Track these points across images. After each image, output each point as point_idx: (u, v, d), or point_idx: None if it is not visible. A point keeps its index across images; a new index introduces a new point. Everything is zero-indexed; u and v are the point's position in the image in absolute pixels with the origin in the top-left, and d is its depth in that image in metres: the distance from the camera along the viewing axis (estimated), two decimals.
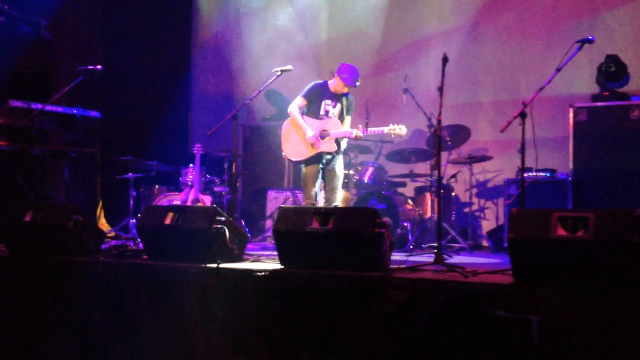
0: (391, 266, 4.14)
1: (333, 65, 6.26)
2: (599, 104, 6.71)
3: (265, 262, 4.54)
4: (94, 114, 7.32)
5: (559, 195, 6.50)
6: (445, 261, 4.32)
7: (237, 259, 4.60)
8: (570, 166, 6.70)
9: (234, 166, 5.89)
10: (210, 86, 9.71)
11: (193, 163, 7.43)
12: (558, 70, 4.77)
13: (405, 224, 6.83)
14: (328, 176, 5.98)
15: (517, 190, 6.53)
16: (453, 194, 7.23)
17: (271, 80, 5.81)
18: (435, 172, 5.21)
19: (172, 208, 4.76)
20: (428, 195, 7.07)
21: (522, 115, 4.58)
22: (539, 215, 3.49)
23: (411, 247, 6.37)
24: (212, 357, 4.07)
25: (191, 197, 7.25)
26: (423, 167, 7.45)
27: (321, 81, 6.09)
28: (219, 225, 4.40)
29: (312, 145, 5.87)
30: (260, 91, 5.89)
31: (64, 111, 6.96)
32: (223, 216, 4.49)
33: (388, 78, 8.37)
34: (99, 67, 6.32)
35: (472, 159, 6.99)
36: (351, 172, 7.18)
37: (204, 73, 9.80)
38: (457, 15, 8.07)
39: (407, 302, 3.55)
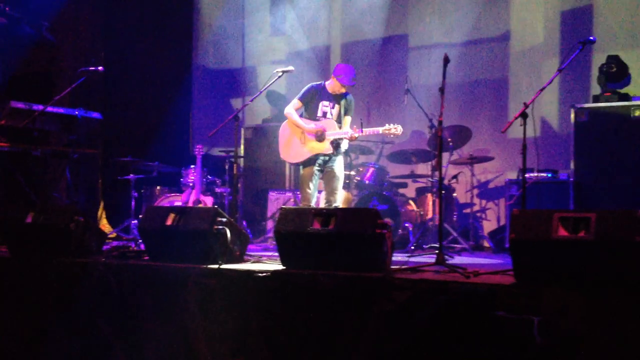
0: (392, 267, 4.14)
1: (334, 66, 6.27)
2: (600, 104, 6.71)
3: (266, 263, 4.54)
4: (96, 115, 7.33)
5: (560, 196, 6.50)
6: (447, 262, 4.32)
7: (238, 259, 4.61)
8: (572, 167, 6.69)
9: (235, 167, 5.90)
10: (212, 87, 9.72)
11: (194, 164, 7.43)
12: (559, 70, 4.77)
13: (406, 224, 6.82)
14: (327, 177, 5.99)
15: (519, 190, 6.52)
16: (454, 194, 7.23)
17: (272, 81, 5.82)
18: (437, 173, 5.20)
19: (173, 209, 4.76)
20: (429, 196, 7.07)
21: (524, 115, 4.58)
22: (541, 216, 3.49)
23: (412, 247, 6.37)
24: (213, 358, 4.07)
25: (192, 198, 7.26)
26: (424, 168, 7.44)
27: (318, 83, 6.10)
28: (220, 226, 4.40)
29: (317, 139, 5.87)
30: (261, 92, 5.90)
31: (65, 112, 6.97)
32: (224, 217, 4.49)
33: (389, 79, 8.37)
34: (100, 68, 6.33)
35: (474, 160, 6.99)
36: (352, 173, 7.18)
37: (205, 74, 9.80)
38: (458, 15, 8.07)
39: (409, 303, 3.55)
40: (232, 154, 7.20)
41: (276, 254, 4.44)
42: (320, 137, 5.90)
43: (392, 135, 5.93)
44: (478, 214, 7.61)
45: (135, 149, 7.78)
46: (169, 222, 4.55)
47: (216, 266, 4.21)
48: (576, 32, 7.17)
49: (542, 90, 4.77)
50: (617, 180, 6.44)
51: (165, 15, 9.22)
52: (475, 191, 7.44)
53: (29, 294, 4.71)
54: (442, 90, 4.59)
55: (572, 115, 6.73)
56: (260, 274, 4.05)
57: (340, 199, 6.14)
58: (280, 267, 4.24)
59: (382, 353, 3.59)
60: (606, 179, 6.49)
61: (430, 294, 3.52)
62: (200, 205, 7.07)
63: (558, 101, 7.24)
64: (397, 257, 4.81)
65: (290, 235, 4.19)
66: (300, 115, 6.07)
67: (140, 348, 4.32)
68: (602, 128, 6.58)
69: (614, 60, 6.93)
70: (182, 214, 4.57)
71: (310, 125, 5.93)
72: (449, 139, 6.86)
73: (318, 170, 5.97)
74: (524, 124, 4.63)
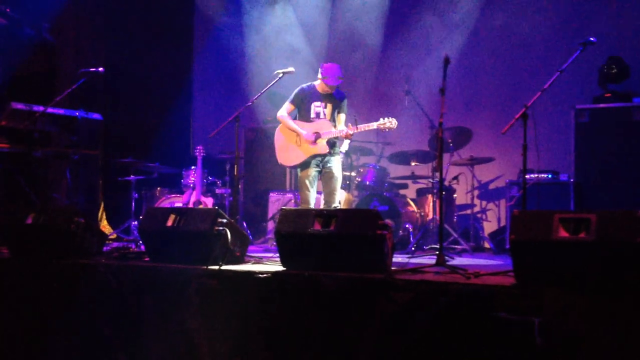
0: (393, 268, 4.14)
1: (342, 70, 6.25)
2: (601, 105, 6.71)
3: (267, 264, 4.54)
4: (96, 116, 7.33)
5: (560, 197, 6.50)
6: (447, 263, 4.32)
7: (239, 261, 4.61)
8: (572, 168, 6.69)
9: (235, 168, 5.90)
10: (212, 88, 9.72)
11: (195, 165, 7.44)
12: (560, 71, 4.77)
13: (407, 225, 6.83)
14: (325, 178, 5.99)
15: (519, 191, 6.53)
16: (455, 195, 7.23)
17: (273, 82, 5.82)
18: (437, 174, 5.21)
19: (173, 210, 4.77)
20: (430, 197, 7.07)
21: (524, 116, 4.58)
22: (541, 217, 3.49)
23: (413, 249, 6.37)
24: (214, 359, 4.07)
25: (193, 199, 7.26)
26: (425, 169, 7.45)
27: (308, 84, 6.10)
28: (221, 227, 4.40)
29: (310, 143, 5.88)
30: (262, 93, 5.90)
31: (65, 113, 6.97)
32: (225, 218, 4.49)
33: (390, 80, 8.37)
34: (100, 69, 6.33)
35: (474, 161, 6.99)
36: (353, 173, 7.19)
37: (205, 75, 9.81)
38: (458, 16, 8.07)
39: (409, 304, 3.54)
40: (232, 155, 7.20)
41: (277, 255, 4.44)
42: (315, 135, 5.91)
43: (387, 130, 5.91)
44: (478, 215, 7.61)
45: (135, 150, 7.78)
46: (169, 223, 4.55)
47: (217, 267, 4.21)
48: (578, 32, 7.17)
49: (542, 91, 4.77)
50: (617, 181, 6.44)
51: (166, 17, 9.23)
52: (476, 192, 7.44)
53: (30, 295, 4.71)
54: (442, 91, 4.59)
55: (573, 116, 6.73)
56: (260, 275, 4.05)
57: (340, 199, 6.14)
58: (280, 268, 4.24)
59: (383, 354, 3.58)
60: (607, 179, 6.50)
61: (431, 295, 3.51)
62: (200, 207, 7.08)
63: (559, 102, 7.24)
64: (398, 258, 4.81)
65: (291, 236, 4.19)
66: (295, 118, 6.08)
67: (141, 349, 4.32)
68: (603, 129, 6.59)
69: (614, 61, 6.94)
70: (182, 215, 4.57)
71: (304, 129, 5.93)
72: (450, 140, 6.86)
73: (316, 171, 5.97)
74: (525, 125, 4.63)
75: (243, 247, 4.72)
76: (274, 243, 5.03)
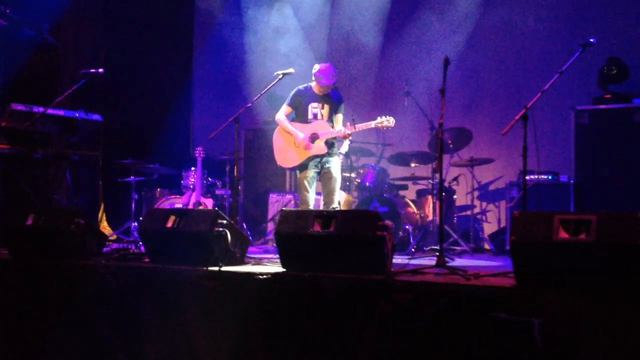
0: (393, 269, 4.14)
1: (335, 68, 6.26)
2: (600, 106, 6.71)
3: (267, 265, 4.54)
4: (96, 117, 7.33)
5: (561, 198, 6.50)
6: (447, 264, 4.32)
7: (239, 262, 4.61)
8: (572, 169, 6.69)
9: (235, 169, 5.91)
10: (212, 89, 9.73)
11: (195, 166, 7.44)
12: (560, 73, 4.77)
13: (407, 226, 6.83)
14: (324, 179, 6.00)
15: (519, 193, 6.53)
16: (455, 196, 7.23)
17: (273, 83, 5.83)
18: (437, 175, 5.21)
19: (173, 211, 4.76)
20: (430, 198, 7.07)
21: (524, 117, 4.58)
22: (541, 218, 3.49)
23: (413, 250, 6.37)
24: None
25: (193, 200, 7.26)
26: (425, 170, 7.45)
27: (304, 85, 6.11)
28: (221, 229, 4.40)
29: (305, 147, 5.90)
30: (261, 94, 5.90)
31: (66, 114, 6.97)
32: (225, 219, 4.49)
33: (390, 81, 8.37)
34: (101, 70, 6.33)
35: (474, 162, 6.99)
36: (353, 175, 7.19)
37: (205, 76, 9.82)
38: (458, 18, 8.07)
39: (409, 305, 3.54)
40: (232, 156, 7.20)
41: (277, 256, 4.44)
42: (313, 136, 5.92)
43: (385, 128, 5.92)
44: (478, 216, 7.61)
45: (135, 151, 7.78)
46: (169, 224, 4.55)
47: (217, 268, 4.20)
48: (578, 33, 7.18)
49: (542, 92, 4.77)
50: (617, 182, 6.44)
51: (166, 18, 9.24)
52: (476, 193, 7.44)
53: (30, 296, 4.71)
54: (442, 92, 4.59)
55: (573, 118, 6.73)
56: (260, 276, 4.05)
57: (340, 200, 6.14)
58: (280, 269, 4.24)
59: (383, 355, 3.58)
60: (607, 181, 6.50)
61: (430, 296, 3.51)
62: (200, 208, 7.08)
63: (559, 103, 7.24)
64: (398, 259, 4.81)
65: (291, 238, 4.19)
66: (292, 120, 6.09)
67: (141, 350, 4.32)
68: (603, 130, 6.59)
69: (614, 62, 6.94)
70: (182, 216, 4.57)
71: (301, 131, 5.94)
72: (450, 141, 6.86)
73: (315, 172, 5.98)
74: (525, 126, 4.63)
75: (243, 248, 4.72)
76: (274, 244, 5.04)
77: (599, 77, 7.05)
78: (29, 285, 4.74)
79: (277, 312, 3.93)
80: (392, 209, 6.80)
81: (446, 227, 6.42)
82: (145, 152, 8.06)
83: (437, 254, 4.37)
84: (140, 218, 7.15)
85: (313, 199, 6.01)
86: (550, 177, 6.67)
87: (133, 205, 7.38)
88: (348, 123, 5.93)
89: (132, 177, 7.47)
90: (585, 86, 7.30)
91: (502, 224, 7.46)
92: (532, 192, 6.38)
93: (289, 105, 6.09)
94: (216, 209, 4.74)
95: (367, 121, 5.94)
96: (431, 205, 7.01)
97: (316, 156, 5.95)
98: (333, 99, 6.05)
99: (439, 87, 4.64)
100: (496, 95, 7.93)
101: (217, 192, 7.66)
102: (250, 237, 6.71)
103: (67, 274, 4.62)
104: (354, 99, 6.53)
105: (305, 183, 5.93)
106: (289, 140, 6.03)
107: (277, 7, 9.11)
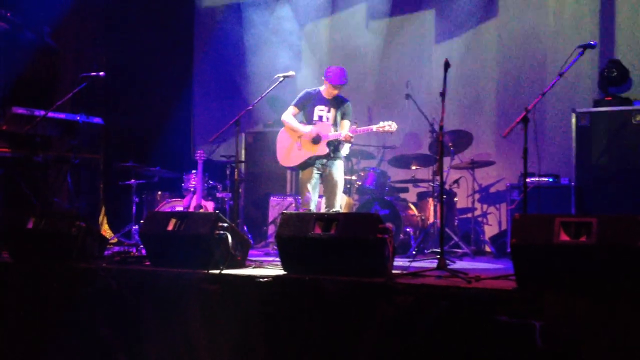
0: (394, 272, 4.14)
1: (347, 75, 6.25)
2: (601, 109, 6.71)
3: (267, 268, 4.54)
4: (97, 120, 7.34)
5: (561, 201, 6.49)
6: (448, 267, 4.32)
7: (240, 265, 4.61)
8: (573, 171, 6.69)
9: (236, 172, 5.92)
10: (213, 92, 9.73)
11: (195, 169, 7.44)
12: (560, 75, 4.77)
13: (407, 229, 6.82)
14: (326, 182, 6.02)
15: (520, 195, 6.52)
16: (455, 199, 7.23)
17: (273, 86, 5.83)
18: (438, 178, 5.20)
19: (174, 214, 4.77)
20: (430, 200, 7.06)
21: (525, 120, 4.58)
22: (542, 221, 3.49)
23: (414, 252, 6.36)
24: None
25: (194, 203, 7.26)
26: (425, 173, 7.44)
27: (314, 88, 6.13)
28: (222, 232, 4.40)
29: (310, 139, 5.89)
30: (262, 97, 5.91)
31: (66, 118, 6.98)
32: (225, 222, 4.49)
33: (390, 84, 8.37)
34: (101, 73, 6.33)
35: (475, 165, 6.99)
36: (353, 177, 7.19)
37: (206, 79, 9.82)
38: (459, 20, 8.08)
39: (410, 308, 3.54)
40: (233, 159, 7.21)
41: (277, 259, 4.44)
42: (316, 139, 5.93)
43: (386, 132, 5.91)
44: (479, 219, 7.61)
45: (136, 154, 7.79)
46: (170, 227, 4.55)
47: (217, 271, 4.20)
48: (578, 35, 7.18)
49: (543, 94, 4.78)
50: (618, 185, 6.44)
51: (166, 21, 9.24)
52: (477, 196, 7.44)
53: (31, 300, 4.71)
54: (442, 95, 4.60)
55: (573, 120, 6.73)
56: (261, 279, 4.05)
57: (341, 203, 6.15)
58: (281, 272, 4.24)
59: (384, 358, 3.58)
60: (608, 183, 6.49)
61: (431, 299, 3.51)
62: (201, 211, 7.08)
63: (559, 105, 7.24)
64: (399, 262, 4.80)
65: (292, 240, 4.19)
66: (299, 122, 6.12)
67: (141, 354, 4.31)
68: (603, 132, 6.58)
69: (614, 64, 6.94)
70: (183, 219, 4.57)
71: (306, 127, 5.96)
72: (450, 144, 6.86)
73: (317, 173, 5.99)
74: (525, 128, 4.64)
75: (244, 251, 4.72)
76: (275, 247, 5.04)
77: (599, 79, 7.05)
78: (29, 288, 4.74)
79: (278, 315, 3.92)
80: (392, 212, 6.79)
81: (447, 230, 6.42)
82: (146, 155, 8.07)
83: (438, 256, 4.37)
84: (141, 221, 7.15)
85: (315, 201, 6.01)
86: (551, 180, 6.67)
87: (134, 208, 7.38)
88: (353, 126, 5.96)
89: (133, 180, 7.47)
90: (586, 88, 7.30)
91: (503, 227, 7.46)
92: (532, 194, 6.37)
93: (296, 105, 6.10)
94: (217, 212, 4.74)
95: (368, 124, 5.94)
96: (432, 208, 7.01)
97: (318, 157, 5.95)
98: (340, 104, 6.06)
99: (439, 90, 4.64)
100: (497, 98, 7.93)
101: (218, 195, 7.66)
102: (251, 240, 6.72)
103: (68, 277, 4.62)
104: (354, 102, 6.52)
105: (307, 183, 5.95)
106: (293, 139, 6.04)
107: (277, 10, 9.12)
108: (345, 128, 6.04)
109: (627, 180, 6.41)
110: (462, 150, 7.10)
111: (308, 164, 5.97)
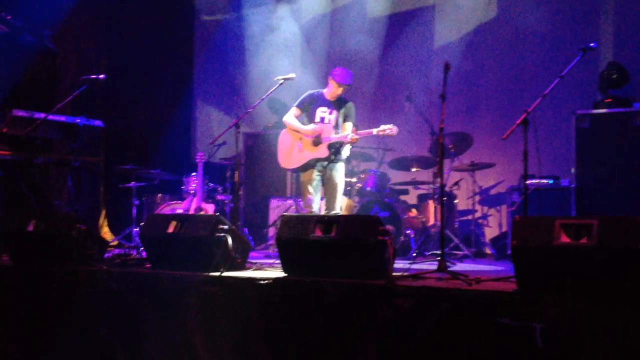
0: (394, 274, 4.13)
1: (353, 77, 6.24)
2: (601, 111, 6.71)
3: (268, 270, 4.54)
4: (97, 123, 7.34)
5: (562, 202, 6.49)
6: (449, 269, 4.31)
7: (240, 267, 4.60)
8: (573, 173, 6.69)
9: (236, 174, 5.90)
10: (213, 94, 9.74)
11: (196, 171, 7.44)
12: (560, 77, 4.77)
13: (408, 231, 6.82)
14: (327, 184, 6.00)
15: (520, 197, 6.52)
16: (456, 201, 7.23)
17: (274, 89, 5.83)
18: (438, 180, 5.20)
19: (174, 216, 4.76)
20: (431, 202, 7.06)
21: (525, 122, 4.58)
22: (542, 223, 3.49)
23: (414, 254, 6.36)
24: None
25: (194, 205, 7.26)
26: (426, 175, 7.44)
27: (317, 90, 6.11)
28: (222, 234, 4.40)
29: (312, 139, 5.89)
30: (262, 99, 5.91)
31: (67, 120, 6.98)
32: (226, 224, 4.49)
33: (391, 86, 8.38)
34: (102, 76, 6.34)
35: (475, 167, 6.99)
36: (354, 179, 7.18)
37: (206, 81, 9.83)
38: (459, 22, 8.08)
39: (411, 310, 3.54)
40: (233, 161, 7.21)
41: (278, 261, 4.44)
42: (316, 140, 5.92)
43: (387, 136, 5.89)
44: (480, 221, 7.61)
45: (136, 156, 7.79)
46: (170, 229, 4.56)
47: (218, 274, 4.20)
48: (578, 38, 7.18)
49: (543, 96, 4.77)
50: (618, 187, 6.43)
51: (166, 24, 9.26)
52: (477, 198, 7.43)
53: (31, 302, 4.71)
54: (443, 97, 4.59)
55: (574, 122, 6.73)
56: (262, 282, 4.05)
57: (341, 205, 6.14)
58: (282, 274, 4.24)
59: None
60: (608, 185, 6.49)
61: (432, 301, 3.51)
62: (201, 213, 7.07)
63: (559, 107, 7.24)
64: (399, 264, 4.80)
65: (292, 243, 4.19)
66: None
67: (142, 356, 4.31)
68: (604, 134, 6.58)
69: (614, 66, 6.94)
70: (183, 221, 4.57)
71: (308, 127, 5.95)
72: (450, 146, 6.86)
73: (318, 175, 5.97)
74: (526, 130, 4.63)
75: (244, 254, 4.71)
76: (275, 249, 5.03)
77: (599, 81, 7.05)
78: (30, 291, 4.74)
79: (279, 317, 3.92)
80: (393, 214, 6.79)
81: (447, 232, 6.42)
82: (146, 158, 8.07)
83: (439, 258, 4.36)
84: (142, 224, 7.13)
85: (318, 202, 6.00)
86: (551, 182, 6.66)
87: (134, 210, 7.38)
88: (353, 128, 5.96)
89: (133, 183, 7.47)
90: (586, 90, 7.30)
91: (504, 229, 7.46)
92: (533, 196, 6.37)
93: (298, 107, 6.07)
94: (217, 214, 4.74)
95: (368, 126, 5.93)
96: (432, 210, 7.01)
97: (318, 160, 5.94)
98: (343, 106, 6.03)
99: (439, 92, 4.64)
100: (497, 100, 7.93)
101: (218, 197, 7.66)
102: (252, 243, 6.73)
103: (69, 279, 4.62)
104: (355, 104, 6.51)
105: (308, 185, 5.93)
106: (294, 141, 6.02)
107: (277, 12, 9.12)
108: (347, 130, 6.01)
109: (627, 181, 6.41)
110: (462, 152, 7.10)
111: (309, 165, 5.96)
